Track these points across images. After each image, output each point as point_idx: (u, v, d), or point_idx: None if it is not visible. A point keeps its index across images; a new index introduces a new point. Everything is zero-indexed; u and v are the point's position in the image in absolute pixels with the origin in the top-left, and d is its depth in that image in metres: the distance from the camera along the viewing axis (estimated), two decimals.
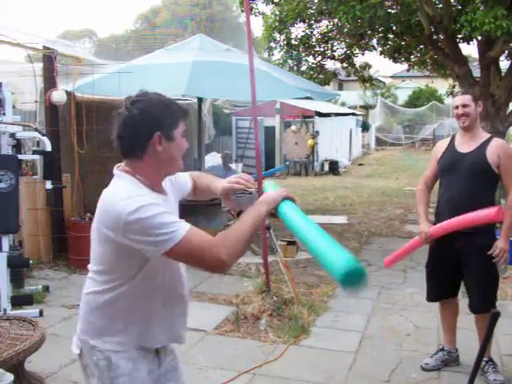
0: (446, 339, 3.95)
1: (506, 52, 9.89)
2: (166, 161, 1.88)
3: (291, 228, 1.89)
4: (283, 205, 1.93)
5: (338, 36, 11.33)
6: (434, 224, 3.72)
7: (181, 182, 2.20)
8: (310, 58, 11.81)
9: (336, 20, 9.99)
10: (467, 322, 4.37)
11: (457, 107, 3.61)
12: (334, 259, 1.56)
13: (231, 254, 1.77)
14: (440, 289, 3.81)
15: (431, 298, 3.91)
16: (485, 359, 3.72)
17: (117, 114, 1.86)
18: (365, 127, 27.85)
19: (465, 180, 3.55)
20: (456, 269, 3.68)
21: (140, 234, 1.74)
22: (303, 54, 11.60)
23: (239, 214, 2.61)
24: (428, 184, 3.90)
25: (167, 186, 2.02)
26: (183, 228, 1.75)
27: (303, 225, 1.84)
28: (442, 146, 3.83)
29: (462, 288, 3.81)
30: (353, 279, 1.49)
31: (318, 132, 17.88)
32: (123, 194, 1.79)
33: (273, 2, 10.74)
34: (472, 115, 3.56)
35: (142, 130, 1.82)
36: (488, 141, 3.58)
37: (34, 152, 5.94)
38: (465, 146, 3.63)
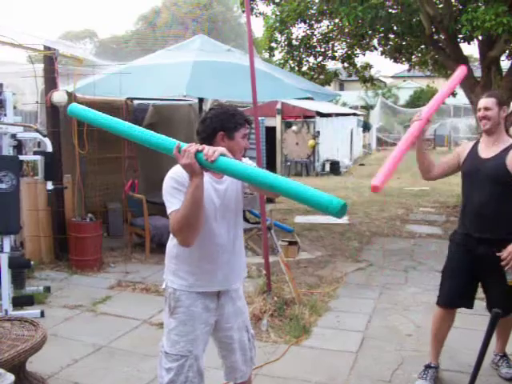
0: (434, 354, 3.75)
1: (507, 52, 9.89)
2: None
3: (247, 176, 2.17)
4: (222, 160, 2.19)
5: (339, 36, 11.34)
6: (461, 233, 3.59)
7: None
8: (311, 59, 11.82)
9: (337, 20, 10.00)
10: (467, 322, 4.38)
11: (479, 109, 3.51)
12: (325, 199, 1.96)
13: (180, 233, 2.37)
14: (457, 294, 3.59)
15: (446, 302, 3.64)
16: (500, 354, 3.82)
17: (199, 117, 2.41)
18: (366, 127, 27.84)
19: (485, 188, 3.40)
20: (474, 277, 3.56)
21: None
22: (304, 55, 11.60)
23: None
24: (435, 165, 3.65)
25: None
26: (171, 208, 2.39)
27: (268, 174, 2.13)
28: (465, 147, 3.66)
29: None
30: (341, 210, 1.94)
31: (318, 132, 17.88)
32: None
33: (274, 3, 10.75)
34: (493, 119, 3.43)
35: (211, 129, 2.51)
36: (509, 147, 3.42)
37: (35, 153, 5.96)
38: (487, 151, 3.48)
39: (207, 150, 2.20)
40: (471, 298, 3.63)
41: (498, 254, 3.33)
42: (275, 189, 2.10)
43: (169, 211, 2.41)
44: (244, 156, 2.63)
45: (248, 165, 2.25)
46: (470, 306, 3.65)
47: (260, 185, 2.19)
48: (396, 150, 3.23)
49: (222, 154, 2.20)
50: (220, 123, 2.50)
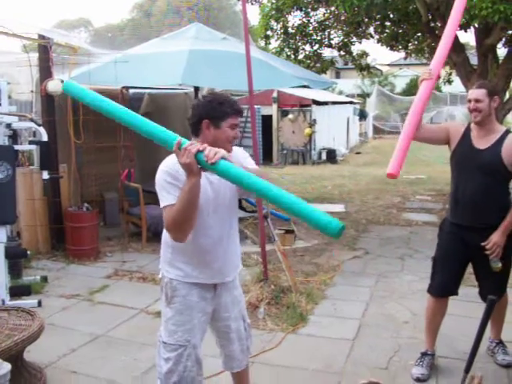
0: (430, 341, 3.77)
1: (503, 39, 9.86)
2: (213, 142, 2.36)
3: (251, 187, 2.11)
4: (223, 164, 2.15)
5: (335, 24, 11.28)
6: (452, 222, 3.57)
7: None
8: (307, 47, 11.77)
9: (333, 8, 9.96)
10: (463, 309, 4.41)
11: (470, 101, 3.42)
12: (324, 219, 1.96)
13: (173, 229, 2.38)
14: (451, 283, 3.61)
15: (440, 292, 3.66)
16: (496, 341, 3.83)
17: (193, 104, 2.61)
18: (362, 115, 27.81)
19: (476, 178, 3.38)
20: (465, 264, 3.61)
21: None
22: (300, 43, 11.55)
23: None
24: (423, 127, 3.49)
25: None
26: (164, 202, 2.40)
27: (270, 185, 2.09)
28: (457, 130, 3.54)
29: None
30: (340, 231, 1.96)
31: (315, 121, 17.85)
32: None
33: None
34: (484, 111, 3.35)
35: (197, 117, 2.49)
36: (503, 137, 3.38)
37: (31, 142, 5.93)
38: (481, 141, 3.40)
39: (208, 151, 2.14)
40: (459, 285, 3.65)
41: (482, 244, 3.35)
42: (273, 202, 2.07)
43: (162, 205, 2.41)
44: (237, 145, 2.62)
45: (248, 172, 2.16)
46: (457, 293, 3.67)
47: (258, 195, 2.18)
48: (408, 123, 3.16)
49: (223, 158, 2.15)
50: (205, 111, 2.47)
